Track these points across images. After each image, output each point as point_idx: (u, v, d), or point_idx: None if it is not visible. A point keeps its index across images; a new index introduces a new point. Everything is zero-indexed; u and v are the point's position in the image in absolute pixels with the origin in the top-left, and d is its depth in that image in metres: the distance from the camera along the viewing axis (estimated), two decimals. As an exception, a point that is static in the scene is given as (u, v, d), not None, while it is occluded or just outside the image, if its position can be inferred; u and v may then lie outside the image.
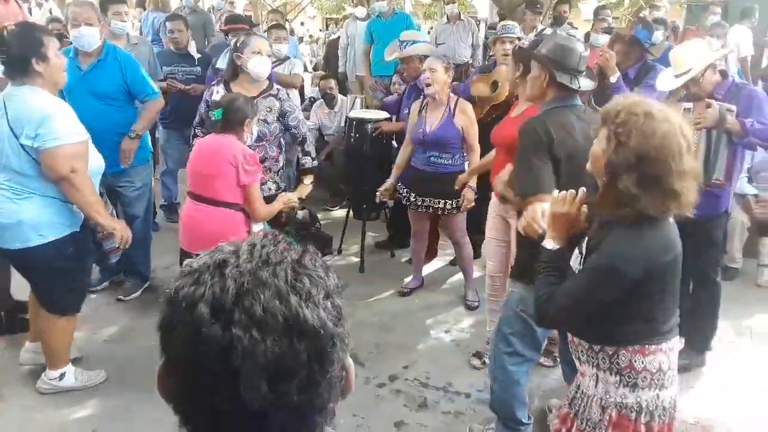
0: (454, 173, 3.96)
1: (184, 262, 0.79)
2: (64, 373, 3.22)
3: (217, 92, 3.80)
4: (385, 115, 4.81)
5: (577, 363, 2.13)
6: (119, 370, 3.40)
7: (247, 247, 0.76)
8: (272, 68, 5.25)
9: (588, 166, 1.98)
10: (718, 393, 3.35)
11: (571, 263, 2.03)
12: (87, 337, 3.72)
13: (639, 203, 1.78)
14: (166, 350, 0.74)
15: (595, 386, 1.98)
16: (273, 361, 0.68)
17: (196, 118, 3.95)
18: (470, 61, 7.03)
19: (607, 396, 1.96)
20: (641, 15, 6.62)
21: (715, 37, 5.56)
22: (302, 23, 20.57)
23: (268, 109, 3.77)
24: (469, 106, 3.99)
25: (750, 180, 4.75)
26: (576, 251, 2.03)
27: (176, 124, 5.27)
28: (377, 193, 4.25)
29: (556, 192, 2.05)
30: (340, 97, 6.25)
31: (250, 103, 3.32)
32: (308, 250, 0.79)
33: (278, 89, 3.88)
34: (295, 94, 5.88)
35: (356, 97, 6.44)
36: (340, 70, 7.30)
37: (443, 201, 4.02)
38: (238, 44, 3.77)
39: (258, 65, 3.70)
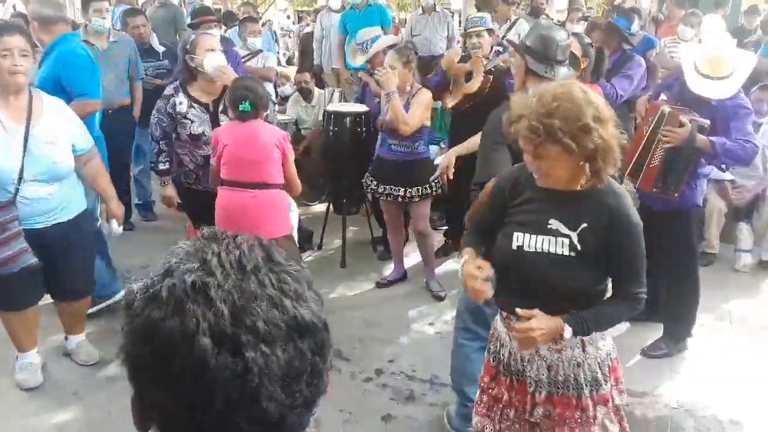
0: (414, 161, 4.03)
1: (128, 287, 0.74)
2: (17, 357, 3.27)
3: (180, 103, 3.55)
4: (364, 108, 4.76)
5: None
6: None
7: (213, 258, 0.71)
8: (242, 62, 5.18)
9: (547, 183, 1.95)
10: (701, 378, 3.39)
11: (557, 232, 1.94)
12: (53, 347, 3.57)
13: (609, 153, 1.83)
14: (157, 384, 0.69)
15: (584, 351, 2.00)
16: (284, 368, 0.69)
17: (158, 132, 3.60)
18: (445, 54, 6.98)
19: (599, 352, 2.01)
20: (616, 3, 6.65)
21: (689, 26, 5.60)
22: (288, 16, 20.38)
23: None
24: (426, 95, 4.03)
25: (726, 166, 4.81)
26: (542, 238, 1.95)
27: (151, 122, 5.15)
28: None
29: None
30: (317, 90, 6.18)
31: (259, 83, 3.48)
32: (265, 242, 0.76)
33: None
34: (269, 87, 5.81)
35: (334, 91, 6.38)
36: (315, 63, 7.21)
37: (404, 189, 4.05)
38: (186, 46, 3.70)
39: (214, 62, 3.55)
